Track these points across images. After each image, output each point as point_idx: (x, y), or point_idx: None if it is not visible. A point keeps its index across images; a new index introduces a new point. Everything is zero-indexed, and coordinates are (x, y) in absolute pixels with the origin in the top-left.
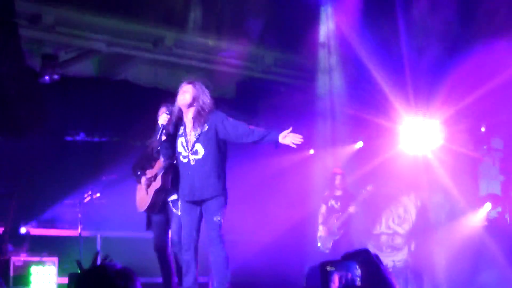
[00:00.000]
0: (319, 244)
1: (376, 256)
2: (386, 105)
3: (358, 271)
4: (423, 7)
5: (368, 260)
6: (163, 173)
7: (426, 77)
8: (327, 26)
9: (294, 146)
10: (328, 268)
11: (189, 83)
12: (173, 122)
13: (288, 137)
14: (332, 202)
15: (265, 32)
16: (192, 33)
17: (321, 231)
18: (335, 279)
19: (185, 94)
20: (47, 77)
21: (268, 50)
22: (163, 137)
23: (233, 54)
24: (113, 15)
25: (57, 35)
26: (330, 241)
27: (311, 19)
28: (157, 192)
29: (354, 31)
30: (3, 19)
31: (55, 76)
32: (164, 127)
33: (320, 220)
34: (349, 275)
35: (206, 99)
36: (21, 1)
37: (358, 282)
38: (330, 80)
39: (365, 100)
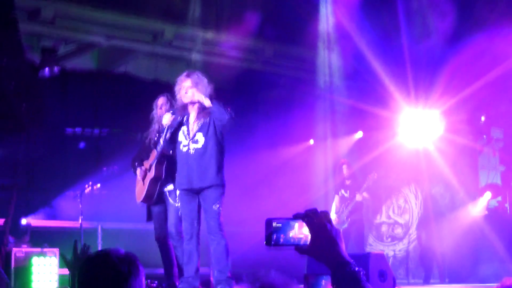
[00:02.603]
0: None
1: (325, 215)
2: (386, 95)
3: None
4: None
5: (316, 219)
6: (156, 163)
7: (426, 67)
8: (326, 17)
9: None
10: (274, 224)
11: (187, 75)
12: (177, 120)
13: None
14: (342, 191)
15: (265, 24)
16: (192, 26)
17: (334, 220)
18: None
19: (186, 89)
20: (46, 71)
21: (268, 42)
22: (168, 135)
23: (232, 46)
24: (112, 8)
25: (57, 29)
26: (340, 230)
27: (311, 11)
28: (151, 181)
29: (353, 22)
30: (2, 13)
31: (55, 70)
32: (169, 127)
33: (333, 209)
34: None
35: (206, 90)
36: None
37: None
38: (330, 71)
39: (365, 90)
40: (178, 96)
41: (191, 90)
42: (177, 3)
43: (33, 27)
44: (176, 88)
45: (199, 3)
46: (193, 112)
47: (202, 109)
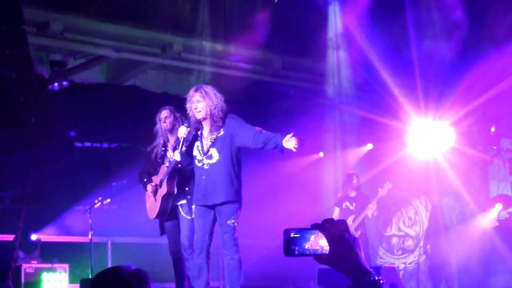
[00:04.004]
0: None
1: (342, 224)
2: (396, 106)
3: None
4: (433, 9)
5: (333, 229)
6: (168, 179)
7: (435, 79)
8: (335, 29)
9: (294, 150)
10: (292, 234)
11: (197, 90)
12: (192, 134)
13: (290, 141)
14: (347, 203)
15: (273, 36)
16: (200, 38)
17: None
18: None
19: (196, 105)
20: (56, 84)
21: (277, 53)
22: (183, 148)
23: (241, 58)
24: (121, 21)
25: (66, 42)
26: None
27: (320, 22)
28: (164, 198)
29: (363, 33)
30: (11, 26)
31: (64, 83)
32: (184, 139)
33: None
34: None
35: (217, 103)
36: (29, 8)
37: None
38: (339, 82)
39: (374, 102)
40: (190, 113)
41: (201, 105)
42: (185, 15)
43: (42, 41)
44: (187, 106)
45: (208, 15)
46: (206, 127)
47: (213, 122)
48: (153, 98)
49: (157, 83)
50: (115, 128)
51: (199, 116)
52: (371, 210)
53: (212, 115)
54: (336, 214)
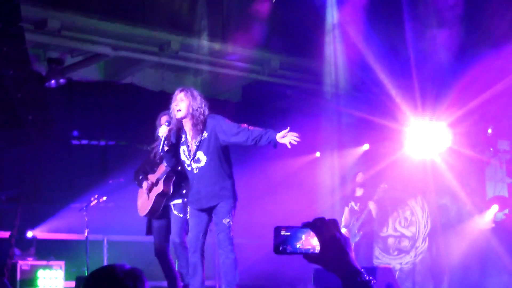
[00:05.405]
0: None
1: (334, 223)
2: (393, 107)
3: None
4: (429, 11)
5: (324, 228)
6: (165, 178)
7: (433, 79)
8: (333, 29)
9: (289, 146)
10: (283, 232)
11: (182, 90)
12: (174, 132)
13: (286, 137)
14: (352, 203)
15: (271, 35)
16: (198, 36)
17: (345, 233)
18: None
19: (179, 104)
20: (53, 82)
21: (274, 53)
22: (166, 148)
23: (239, 57)
24: (119, 19)
25: (63, 40)
26: (352, 244)
27: (317, 22)
28: (158, 196)
29: (360, 34)
30: (9, 23)
31: (61, 80)
32: (165, 138)
33: (343, 223)
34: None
35: (199, 106)
36: (27, 6)
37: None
38: (337, 83)
39: (371, 102)
40: (172, 114)
41: (183, 104)
42: (183, 13)
43: (40, 38)
44: (171, 106)
45: (206, 13)
46: (188, 131)
47: (194, 125)
48: (150, 96)
49: (155, 81)
50: (113, 126)
51: (179, 115)
52: (373, 210)
53: (193, 116)
54: (346, 214)
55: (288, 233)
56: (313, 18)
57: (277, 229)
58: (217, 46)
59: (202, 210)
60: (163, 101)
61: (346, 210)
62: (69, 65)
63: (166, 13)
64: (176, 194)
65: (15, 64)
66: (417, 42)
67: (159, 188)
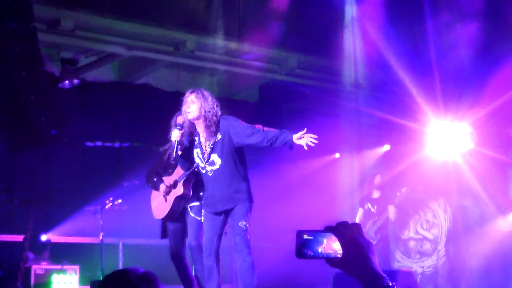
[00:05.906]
0: None
1: (356, 228)
2: (414, 107)
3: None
4: (451, 7)
5: (347, 233)
6: (185, 180)
7: (454, 79)
8: (352, 27)
9: (306, 148)
10: (305, 236)
11: (192, 92)
12: (186, 136)
13: (303, 138)
14: (369, 205)
15: (288, 34)
16: (214, 36)
17: None
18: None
19: (190, 106)
20: (66, 82)
21: (291, 52)
22: (179, 152)
23: (255, 56)
24: (133, 19)
25: (77, 40)
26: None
27: (336, 20)
28: (177, 199)
29: (380, 31)
30: (21, 23)
31: (75, 81)
32: (178, 142)
33: None
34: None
35: (211, 107)
36: (40, 6)
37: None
38: (356, 82)
39: (392, 102)
40: (184, 115)
41: (194, 106)
42: (199, 12)
43: (53, 38)
44: (183, 108)
45: (222, 12)
46: (201, 133)
47: (207, 127)
48: (165, 97)
49: (170, 82)
50: (127, 127)
51: (189, 116)
52: (392, 214)
53: (205, 118)
54: (360, 215)
55: (310, 237)
56: (331, 16)
57: (299, 234)
58: (233, 45)
59: (216, 213)
60: (179, 102)
61: (361, 211)
62: (82, 65)
63: (182, 12)
64: (193, 196)
65: (27, 65)
66: (439, 39)
67: (179, 190)
